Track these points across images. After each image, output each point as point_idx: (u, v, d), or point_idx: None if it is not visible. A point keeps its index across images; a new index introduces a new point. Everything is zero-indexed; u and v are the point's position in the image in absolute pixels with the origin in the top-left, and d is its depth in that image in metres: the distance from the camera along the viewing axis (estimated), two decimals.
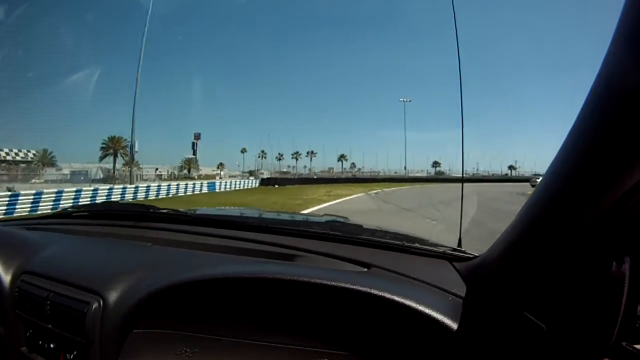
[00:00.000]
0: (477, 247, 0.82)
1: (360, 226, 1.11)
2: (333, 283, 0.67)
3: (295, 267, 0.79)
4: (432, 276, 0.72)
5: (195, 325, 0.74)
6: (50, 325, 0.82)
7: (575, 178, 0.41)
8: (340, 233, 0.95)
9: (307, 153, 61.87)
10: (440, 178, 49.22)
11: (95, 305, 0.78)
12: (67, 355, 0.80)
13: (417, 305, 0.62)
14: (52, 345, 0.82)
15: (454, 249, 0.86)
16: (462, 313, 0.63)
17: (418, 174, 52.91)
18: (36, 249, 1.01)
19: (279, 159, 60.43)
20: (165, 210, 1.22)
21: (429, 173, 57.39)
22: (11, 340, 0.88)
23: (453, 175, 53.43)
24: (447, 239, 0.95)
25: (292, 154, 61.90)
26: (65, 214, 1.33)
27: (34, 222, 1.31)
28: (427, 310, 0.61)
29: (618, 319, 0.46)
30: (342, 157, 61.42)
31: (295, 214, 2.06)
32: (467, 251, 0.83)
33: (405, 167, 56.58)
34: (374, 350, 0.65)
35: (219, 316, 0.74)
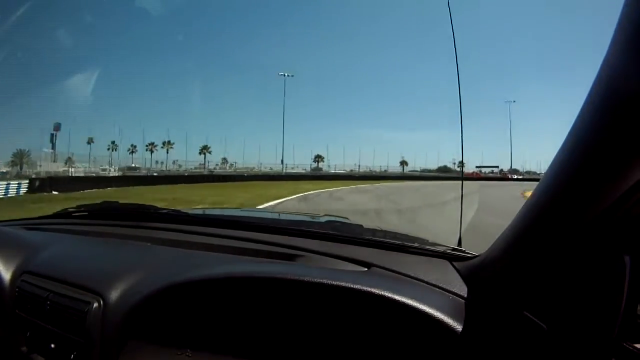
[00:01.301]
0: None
1: (361, 226, 1.11)
2: (333, 282, 0.67)
3: (296, 266, 0.79)
4: (432, 276, 0.73)
5: (196, 325, 0.74)
6: (50, 326, 0.82)
7: (575, 178, 0.41)
8: (340, 233, 0.95)
9: (164, 143, 46.17)
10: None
11: (95, 305, 0.78)
12: (67, 355, 0.80)
13: (418, 305, 0.62)
14: (52, 346, 0.82)
15: (454, 249, 0.86)
16: (462, 313, 0.63)
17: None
18: (36, 249, 1.01)
19: (131, 152, 45.85)
20: (165, 210, 1.22)
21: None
22: (11, 341, 0.88)
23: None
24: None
25: (146, 145, 46.39)
26: (65, 214, 1.33)
27: (33, 222, 1.31)
28: (428, 310, 0.61)
29: (618, 319, 0.46)
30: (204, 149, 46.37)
31: (295, 214, 2.06)
32: (467, 251, 0.83)
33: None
34: (375, 350, 0.65)
35: (219, 316, 0.74)
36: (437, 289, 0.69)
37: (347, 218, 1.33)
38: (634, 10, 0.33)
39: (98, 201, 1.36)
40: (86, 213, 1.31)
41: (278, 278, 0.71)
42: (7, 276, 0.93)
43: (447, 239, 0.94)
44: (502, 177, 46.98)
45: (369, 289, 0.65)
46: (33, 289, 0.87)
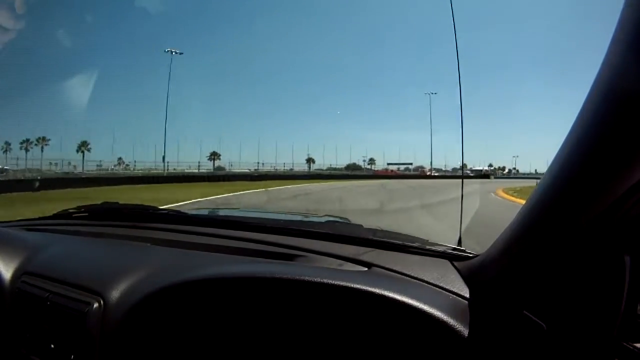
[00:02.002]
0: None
1: (361, 226, 1.11)
2: (334, 282, 0.67)
3: (296, 266, 0.79)
4: (432, 275, 0.73)
5: (196, 325, 0.74)
6: (50, 326, 0.82)
7: (575, 178, 0.41)
8: (340, 233, 0.95)
9: (38, 140, 32.08)
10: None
11: (95, 305, 0.78)
12: (67, 356, 0.80)
13: (419, 304, 0.62)
14: (52, 346, 0.82)
15: (454, 248, 0.86)
16: (462, 312, 0.63)
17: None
18: (36, 250, 1.01)
19: (5, 150, 31.15)
20: (165, 210, 1.22)
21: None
22: (10, 342, 0.88)
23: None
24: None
25: (20, 143, 32.74)
26: (65, 215, 1.33)
27: (33, 222, 1.31)
28: (429, 310, 0.61)
29: (618, 319, 0.46)
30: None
31: (295, 214, 2.06)
32: (467, 250, 0.83)
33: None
34: (376, 350, 0.65)
35: (220, 316, 0.74)
36: (438, 289, 0.69)
37: (347, 219, 1.33)
38: (634, 10, 0.33)
39: (99, 202, 1.36)
40: (86, 214, 1.31)
41: (278, 278, 0.71)
42: (6, 277, 0.93)
43: None
44: (420, 174, 42.65)
45: (369, 289, 0.65)
46: (33, 289, 0.87)
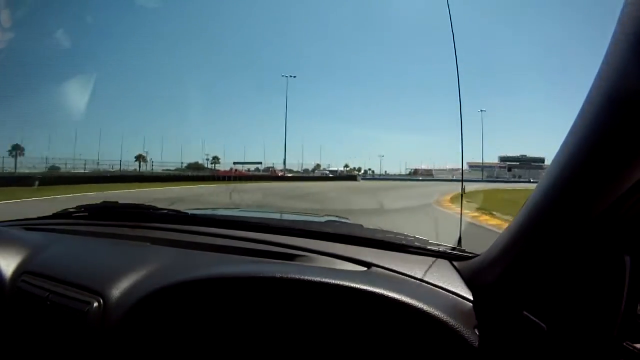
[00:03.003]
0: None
1: (361, 226, 1.11)
2: (334, 282, 0.67)
3: (296, 266, 0.79)
4: (432, 275, 0.73)
5: (196, 325, 0.74)
6: (50, 326, 0.82)
7: (575, 178, 0.41)
8: (340, 233, 0.95)
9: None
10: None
11: (95, 305, 0.78)
12: (67, 355, 0.80)
13: (418, 304, 0.62)
14: (52, 346, 0.82)
15: (454, 248, 0.86)
16: (462, 312, 0.63)
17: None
18: (36, 249, 1.01)
19: None
20: (164, 210, 1.22)
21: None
22: (10, 341, 0.88)
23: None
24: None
25: None
26: (64, 214, 1.33)
27: (33, 222, 1.31)
28: (428, 309, 0.61)
29: (618, 319, 0.46)
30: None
31: (295, 214, 2.06)
32: (467, 250, 0.83)
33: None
34: (375, 350, 0.65)
35: (219, 316, 0.74)
36: (437, 289, 0.69)
37: (347, 218, 1.33)
38: (634, 9, 0.33)
39: (98, 201, 1.36)
40: (86, 213, 1.31)
41: (278, 278, 0.71)
42: (6, 276, 0.93)
43: None
44: (270, 175, 37.49)
45: (369, 289, 0.65)
46: (33, 289, 0.87)
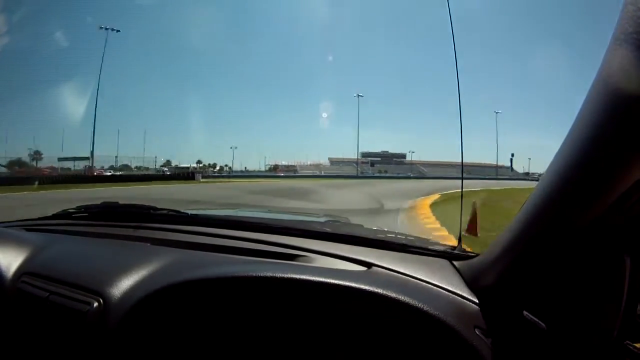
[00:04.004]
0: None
1: (361, 226, 1.11)
2: (334, 282, 0.67)
3: (296, 266, 0.79)
4: (432, 275, 0.73)
5: (196, 325, 0.74)
6: (50, 327, 0.82)
7: (575, 178, 0.41)
8: (340, 233, 0.95)
9: None
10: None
11: (95, 305, 0.78)
12: (68, 356, 0.80)
13: (418, 304, 0.62)
14: (52, 347, 0.82)
15: (454, 248, 0.86)
16: (462, 312, 0.63)
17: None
18: (36, 250, 1.01)
19: None
20: (164, 211, 1.22)
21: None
22: (11, 342, 0.88)
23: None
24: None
25: None
26: (64, 215, 1.33)
27: (33, 222, 1.31)
28: (428, 309, 0.61)
29: (618, 318, 0.46)
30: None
31: (295, 214, 2.06)
32: (467, 250, 0.83)
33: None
34: (375, 350, 0.65)
35: (220, 316, 0.74)
36: (438, 289, 0.69)
37: (347, 218, 1.33)
38: (634, 9, 0.33)
39: (98, 202, 1.36)
40: (86, 214, 1.31)
41: (278, 278, 0.71)
42: (7, 277, 0.93)
43: None
44: (86, 174, 28.58)
45: (369, 289, 0.65)
46: (33, 289, 0.87)
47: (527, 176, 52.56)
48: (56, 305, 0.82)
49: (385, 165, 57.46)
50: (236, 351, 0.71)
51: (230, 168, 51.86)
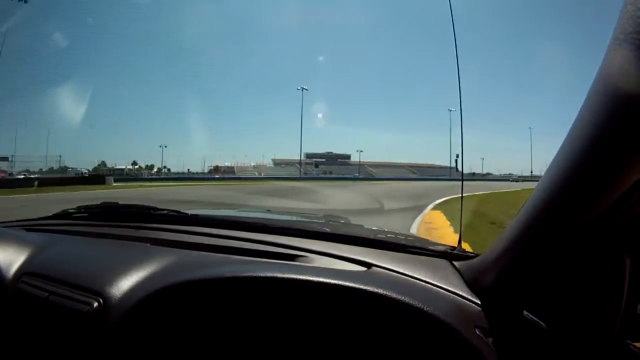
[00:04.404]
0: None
1: (361, 226, 1.11)
2: (333, 282, 0.67)
3: (296, 267, 0.79)
4: (432, 275, 0.73)
5: (196, 325, 0.74)
6: (50, 327, 0.82)
7: (575, 178, 0.41)
8: (340, 233, 0.95)
9: None
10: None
11: (95, 305, 0.78)
12: (68, 356, 0.80)
13: (418, 305, 0.62)
14: (52, 347, 0.82)
15: (454, 248, 0.86)
16: (462, 312, 0.63)
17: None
18: (36, 250, 1.01)
19: None
20: (165, 211, 1.22)
21: None
22: (11, 342, 0.88)
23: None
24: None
25: None
26: (64, 215, 1.33)
27: (33, 222, 1.31)
28: (428, 310, 0.61)
29: (618, 318, 0.46)
30: None
31: (295, 214, 2.07)
32: (467, 250, 0.83)
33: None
34: (375, 350, 0.65)
35: (220, 317, 0.74)
36: (438, 289, 0.69)
37: (347, 218, 1.33)
38: (634, 9, 0.33)
39: (98, 202, 1.36)
40: (86, 214, 1.31)
41: (278, 278, 0.71)
42: (7, 277, 0.93)
43: None
44: None
45: (369, 289, 0.65)
46: (33, 290, 0.87)
47: (473, 176, 52.49)
48: (56, 306, 0.82)
49: (330, 166, 56.57)
50: (236, 351, 0.71)
51: (169, 170, 49.32)
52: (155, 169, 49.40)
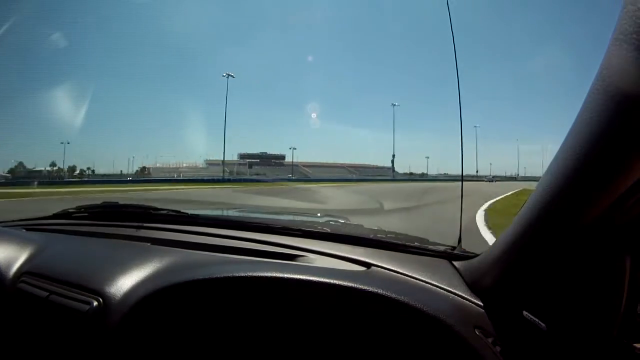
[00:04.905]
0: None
1: (361, 226, 1.11)
2: (333, 282, 0.67)
3: (296, 266, 0.79)
4: (432, 275, 0.73)
5: (196, 325, 0.74)
6: (50, 326, 0.82)
7: (575, 178, 0.41)
8: (340, 233, 0.95)
9: None
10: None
11: (95, 305, 0.78)
12: (68, 356, 0.80)
13: (418, 304, 0.62)
14: (52, 347, 0.82)
15: (454, 248, 0.86)
16: (462, 312, 0.63)
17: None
18: (36, 250, 1.01)
19: None
20: (165, 211, 1.22)
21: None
22: (11, 342, 0.88)
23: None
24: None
25: None
26: (64, 215, 1.33)
27: (33, 222, 1.31)
28: (428, 310, 0.61)
29: (618, 318, 0.46)
30: None
31: (295, 214, 2.07)
32: (467, 250, 0.83)
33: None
34: (375, 350, 0.65)
35: (220, 316, 0.74)
36: (437, 289, 0.69)
37: (347, 218, 1.33)
38: (634, 9, 0.33)
39: (98, 202, 1.36)
40: (86, 214, 1.31)
41: (278, 278, 0.71)
42: (7, 277, 0.93)
43: None
44: None
45: (368, 289, 0.65)
46: (33, 289, 0.87)
47: (410, 176, 51.17)
48: (56, 305, 0.82)
49: (264, 167, 53.69)
50: (236, 351, 0.71)
51: (92, 171, 45.33)
52: (77, 171, 45.09)
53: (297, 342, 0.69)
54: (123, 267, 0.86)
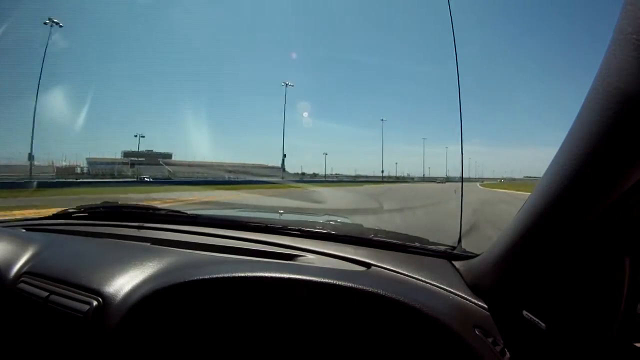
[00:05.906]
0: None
1: (361, 226, 1.11)
2: (333, 282, 0.67)
3: (296, 266, 0.79)
4: (432, 275, 0.73)
5: (196, 325, 0.74)
6: (50, 326, 0.82)
7: (575, 178, 0.41)
8: (340, 233, 0.95)
9: None
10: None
11: (95, 305, 0.78)
12: (68, 356, 0.80)
13: (417, 304, 0.62)
14: (52, 347, 0.82)
15: (454, 248, 0.86)
16: (462, 312, 0.63)
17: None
18: (36, 250, 1.01)
19: None
20: (165, 211, 1.22)
21: None
22: (11, 342, 0.88)
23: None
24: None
25: None
26: (64, 215, 1.33)
27: (33, 222, 1.31)
28: (428, 309, 0.61)
29: (618, 318, 0.46)
30: None
31: (295, 214, 2.06)
32: (467, 250, 0.83)
33: None
34: (375, 350, 0.65)
35: (220, 316, 0.74)
36: (437, 289, 0.69)
37: (347, 218, 1.33)
38: (634, 9, 0.33)
39: (98, 202, 1.36)
40: (86, 214, 1.31)
41: (278, 278, 0.71)
42: (7, 277, 0.93)
43: None
44: None
45: (368, 289, 0.65)
46: (33, 289, 0.87)
47: (302, 177, 47.33)
48: (56, 305, 0.82)
49: (148, 167, 47.22)
50: (236, 351, 0.71)
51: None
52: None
53: (297, 342, 0.69)
54: (123, 267, 0.86)
